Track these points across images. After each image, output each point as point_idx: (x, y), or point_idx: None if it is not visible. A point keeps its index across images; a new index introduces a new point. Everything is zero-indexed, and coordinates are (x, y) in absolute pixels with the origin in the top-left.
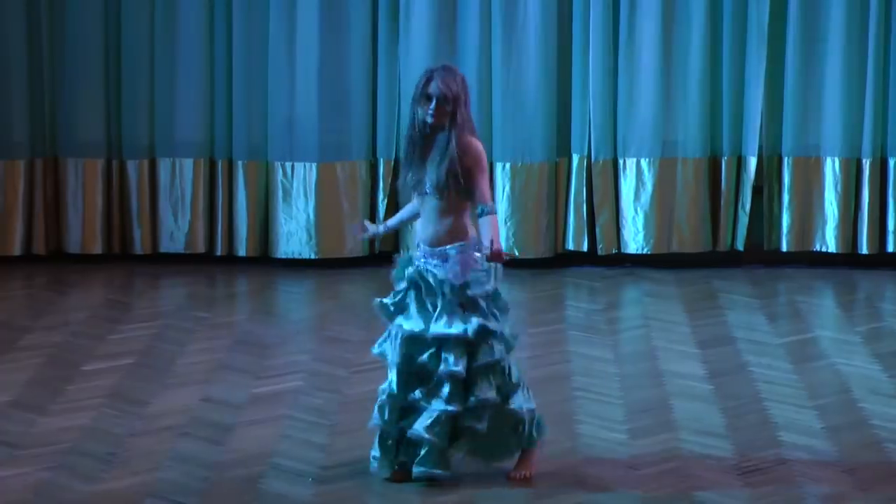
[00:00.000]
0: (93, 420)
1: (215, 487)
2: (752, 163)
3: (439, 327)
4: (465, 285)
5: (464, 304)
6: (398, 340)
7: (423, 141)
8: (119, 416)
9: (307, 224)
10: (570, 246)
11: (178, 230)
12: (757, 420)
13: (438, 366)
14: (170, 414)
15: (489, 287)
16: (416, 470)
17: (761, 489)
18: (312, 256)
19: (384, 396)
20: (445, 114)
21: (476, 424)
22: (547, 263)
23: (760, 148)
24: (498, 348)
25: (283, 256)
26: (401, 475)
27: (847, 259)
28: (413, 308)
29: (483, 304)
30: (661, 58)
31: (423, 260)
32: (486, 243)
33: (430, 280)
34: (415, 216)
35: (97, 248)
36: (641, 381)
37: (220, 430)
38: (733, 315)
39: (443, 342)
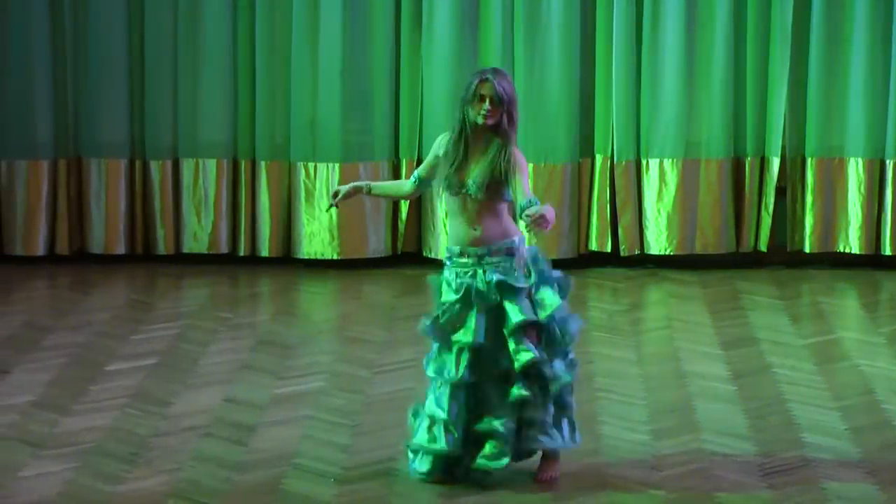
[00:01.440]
0: (115, 420)
1: (237, 488)
2: (776, 163)
3: (518, 314)
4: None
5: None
6: (462, 357)
7: (471, 142)
8: (142, 416)
9: (329, 225)
10: (593, 247)
11: (200, 230)
12: (780, 421)
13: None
14: (192, 414)
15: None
16: (479, 463)
17: (784, 490)
18: (335, 257)
19: (440, 417)
20: (499, 115)
21: (543, 416)
22: (570, 264)
23: (784, 149)
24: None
25: (306, 257)
26: (441, 478)
27: (870, 260)
28: (472, 319)
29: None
30: (684, 58)
31: (478, 262)
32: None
33: (487, 282)
34: (397, 195)
35: (120, 248)
36: (664, 382)
37: (242, 430)
38: (756, 316)
39: (516, 338)
